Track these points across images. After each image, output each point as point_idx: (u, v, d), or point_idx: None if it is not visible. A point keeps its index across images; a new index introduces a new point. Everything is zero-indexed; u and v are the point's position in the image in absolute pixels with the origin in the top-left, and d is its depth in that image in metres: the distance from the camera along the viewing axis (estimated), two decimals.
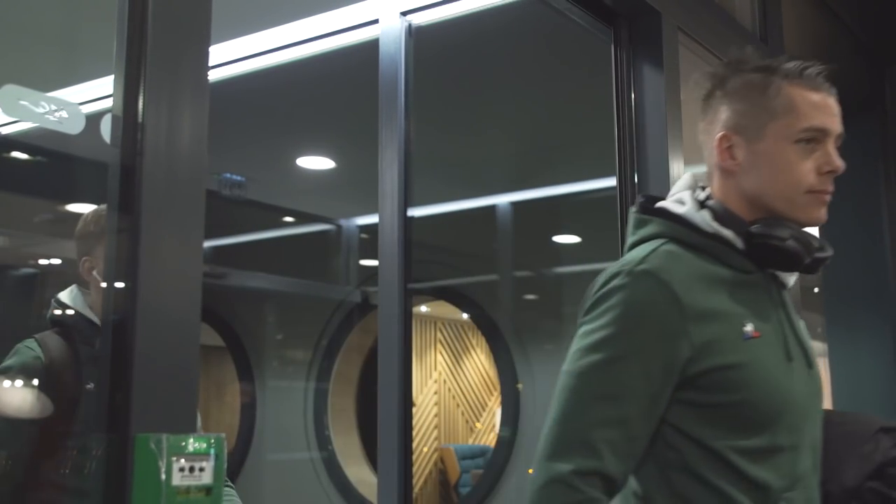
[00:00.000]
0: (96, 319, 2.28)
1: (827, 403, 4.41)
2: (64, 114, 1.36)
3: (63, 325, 2.31)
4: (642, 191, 2.43)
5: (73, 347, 2.29)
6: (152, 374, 1.22)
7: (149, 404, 1.20)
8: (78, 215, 2.47)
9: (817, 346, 4.70)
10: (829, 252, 1.55)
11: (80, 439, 1.87)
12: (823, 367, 4.44)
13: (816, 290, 4.59)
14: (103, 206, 1.99)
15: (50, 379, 2.26)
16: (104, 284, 1.27)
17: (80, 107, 1.43)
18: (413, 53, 3.11)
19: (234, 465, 6.88)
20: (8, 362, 2.20)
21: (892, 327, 4.15)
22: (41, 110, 1.33)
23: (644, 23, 2.45)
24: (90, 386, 2.13)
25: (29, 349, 2.26)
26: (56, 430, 2.13)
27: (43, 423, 2.17)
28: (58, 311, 2.37)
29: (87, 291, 2.36)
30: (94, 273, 2.31)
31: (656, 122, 2.39)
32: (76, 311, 2.31)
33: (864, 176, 4.26)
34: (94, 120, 1.36)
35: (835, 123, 1.53)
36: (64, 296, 2.37)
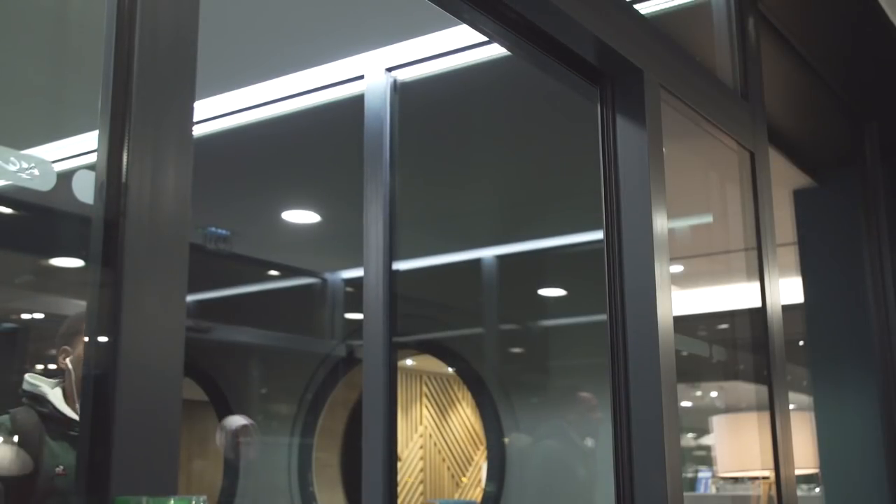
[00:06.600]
0: (68, 412, 2.36)
1: (814, 460, 4.39)
2: (35, 171, 1.35)
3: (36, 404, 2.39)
4: (627, 244, 2.43)
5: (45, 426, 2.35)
6: (133, 433, 1.20)
7: (129, 465, 1.18)
8: (61, 269, 2.48)
9: (803, 400, 4.68)
10: None
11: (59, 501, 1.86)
12: (810, 422, 4.43)
13: (801, 343, 4.59)
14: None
15: (18, 457, 2.30)
16: (86, 339, 1.25)
17: (62, 162, 1.42)
18: (398, 109, 3.14)
19: None
20: None
21: (877, 383, 4.15)
22: (12, 167, 1.33)
23: (627, 81, 2.47)
24: (59, 469, 2.17)
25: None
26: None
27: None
28: (29, 388, 2.42)
29: (61, 380, 2.42)
30: (68, 361, 2.39)
31: (639, 179, 2.40)
32: (49, 405, 2.38)
33: (845, 230, 4.29)
34: (70, 177, 1.36)
35: None
36: (32, 382, 2.43)
